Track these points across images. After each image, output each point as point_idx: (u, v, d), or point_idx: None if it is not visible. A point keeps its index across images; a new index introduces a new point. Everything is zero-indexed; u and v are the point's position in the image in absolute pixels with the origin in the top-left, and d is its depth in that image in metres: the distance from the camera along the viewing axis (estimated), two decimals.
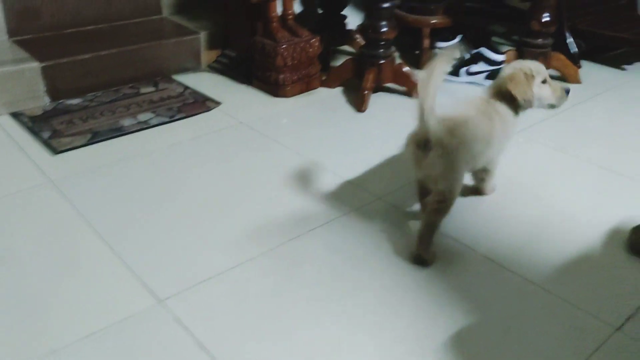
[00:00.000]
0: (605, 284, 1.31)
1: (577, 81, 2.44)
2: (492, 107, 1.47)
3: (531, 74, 1.46)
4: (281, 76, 2.21)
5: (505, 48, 2.54)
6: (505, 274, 1.33)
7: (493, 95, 1.50)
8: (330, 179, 1.72)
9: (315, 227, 1.49)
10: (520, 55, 2.38)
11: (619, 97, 2.32)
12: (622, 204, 1.61)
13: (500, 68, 2.31)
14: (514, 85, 1.45)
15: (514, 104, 1.48)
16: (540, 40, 2.33)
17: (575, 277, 1.32)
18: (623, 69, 2.63)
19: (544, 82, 1.48)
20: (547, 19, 2.28)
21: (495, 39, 2.96)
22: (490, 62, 2.33)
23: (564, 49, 2.55)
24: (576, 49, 2.58)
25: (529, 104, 1.48)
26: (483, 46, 2.37)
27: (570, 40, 2.58)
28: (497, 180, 1.64)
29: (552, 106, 1.51)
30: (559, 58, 2.41)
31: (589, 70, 2.56)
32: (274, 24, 2.20)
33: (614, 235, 1.46)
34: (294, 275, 1.32)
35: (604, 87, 2.41)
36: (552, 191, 1.67)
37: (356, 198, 1.62)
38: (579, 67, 2.54)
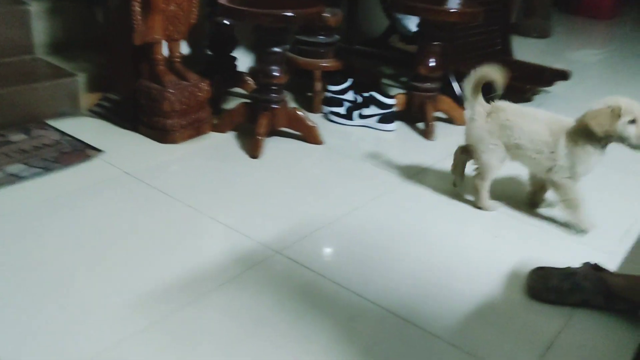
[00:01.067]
0: (510, 333, 1.31)
1: (463, 123, 2.52)
2: (562, 127, 1.65)
3: (618, 112, 1.52)
4: (169, 121, 2.08)
5: (395, 91, 2.59)
6: (411, 330, 1.29)
7: (577, 122, 1.62)
8: (225, 234, 1.62)
9: (210, 289, 1.38)
10: (410, 98, 2.43)
11: None
12: (518, 247, 1.65)
13: (392, 111, 2.35)
14: (593, 116, 1.56)
15: (595, 137, 1.57)
16: (428, 84, 2.39)
17: (480, 328, 1.31)
18: None
19: (632, 121, 1.53)
20: (433, 64, 2.35)
21: (385, 81, 3.03)
22: (381, 105, 2.36)
23: (449, 92, 2.65)
24: (460, 92, 2.69)
25: (608, 139, 1.58)
26: (374, 89, 2.40)
27: (454, 83, 2.68)
28: (395, 230, 1.63)
29: (633, 147, 1.56)
30: (446, 101, 2.49)
31: None
32: (160, 67, 2.08)
33: (513, 279, 1.48)
34: (188, 349, 1.20)
35: None
36: (447, 237, 1.68)
37: (254, 254, 1.53)
38: (464, 109, 2.64)
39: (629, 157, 1.67)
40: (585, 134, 1.59)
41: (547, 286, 1.38)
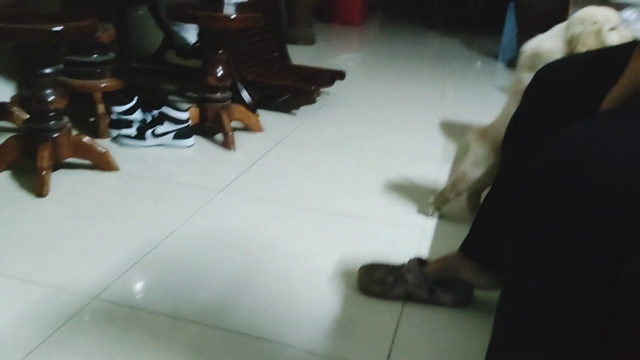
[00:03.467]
0: (356, 332, 1.30)
1: (259, 129, 2.53)
2: None
3: (600, 26, 1.51)
4: None
5: (185, 105, 2.48)
6: (263, 346, 1.22)
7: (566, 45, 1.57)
8: (22, 289, 1.35)
9: None
10: (203, 110, 2.34)
11: (297, 142, 2.48)
12: (343, 244, 1.67)
13: (187, 126, 2.23)
14: (581, 42, 1.51)
15: None
16: (219, 94, 2.33)
17: (329, 330, 1.29)
18: (294, 114, 2.84)
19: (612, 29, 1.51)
20: (222, 73, 2.29)
21: (172, 97, 2.89)
22: (175, 120, 2.23)
23: (240, 100, 2.62)
24: (250, 99, 2.68)
25: None
26: (164, 105, 2.26)
27: (244, 91, 2.66)
28: (219, 246, 1.53)
29: None
30: (240, 110, 2.46)
31: (267, 118, 2.69)
32: None
33: (347, 277, 1.49)
34: None
35: (283, 133, 2.56)
36: (276, 244, 1.64)
37: (65, 306, 1.30)
38: (258, 115, 2.64)
39: None
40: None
41: (373, 279, 1.40)
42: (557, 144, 0.70)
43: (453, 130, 2.76)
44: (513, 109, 1.20)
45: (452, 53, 5.17)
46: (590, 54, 1.13)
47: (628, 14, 2.25)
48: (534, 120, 1.12)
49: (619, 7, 2.45)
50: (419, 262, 1.39)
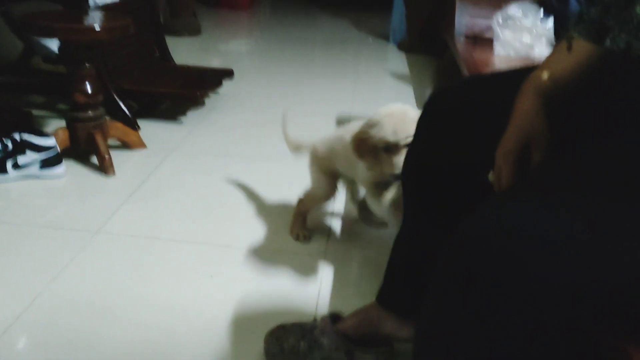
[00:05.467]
0: None
1: (142, 146, 2.30)
2: None
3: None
4: None
5: (55, 123, 2.20)
6: None
7: None
8: None
9: None
10: (73, 132, 2.08)
11: (185, 156, 2.28)
12: (244, 286, 1.52)
13: (55, 152, 1.98)
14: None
15: None
16: (90, 113, 2.08)
17: None
18: (180, 122, 2.63)
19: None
20: (91, 88, 2.04)
21: (38, 112, 2.57)
22: (39, 148, 1.96)
23: (118, 113, 2.38)
24: (129, 112, 2.44)
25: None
26: (25, 130, 1.98)
27: (120, 104, 2.42)
28: (103, 296, 1.33)
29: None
30: (117, 126, 2.22)
31: (150, 129, 2.46)
32: None
33: (252, 342, 1.35)
34: None
35: (169, 145, 2.35)
36: (164, 291, 1.46)
37: None
38: (138, 129, 2.41)
39: None
40: None
41: (283, 349, 1.19)
42: (464, 234, 0.59)
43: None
44: None
45: (344, 36, 5.10)
46: (479, 79, 1.05)
47: (514, 10, 2.23)
48: (430, 153, 1.02)
49: (504, 2, 2.45)
50: (332, 319, 1.20)
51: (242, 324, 1.34)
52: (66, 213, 1.80)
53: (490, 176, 0.86)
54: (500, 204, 0.60)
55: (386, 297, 1.16)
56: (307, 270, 1.55)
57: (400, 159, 1.25)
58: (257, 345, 1.23)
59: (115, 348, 1.24)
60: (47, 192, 1.93)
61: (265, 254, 1.62)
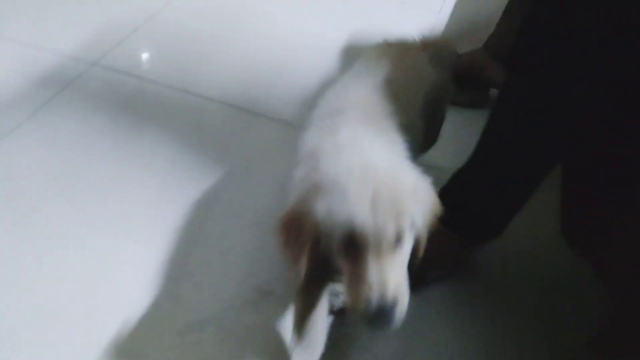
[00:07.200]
0: None
1: None
2: None
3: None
4: None
5: None
6: (259, 120, 1.23)
7: None
8: (18, 52, 1.35)
9: (20, 122, 1.17)
10: None
11: None
12: (351, 25, 1.58)
13: None
14: None
15: None
16: None
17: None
18: None
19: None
20: None
21: None
22: None
23: None
24: None
25: None
26: None
27: None
28: (221, 16, 1.44)
29: None
30: None
31: None
32: None
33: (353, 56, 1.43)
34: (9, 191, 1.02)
35: None
36: (284, 20, 1.54)
37: (65, 70, 1.31)
38: None
39: None
40: None
41: None
42: None
43: None
44: None
45: None
46: None
47: None
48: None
49: None
50: None
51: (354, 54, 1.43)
52: None
53: None
54: None
55: None
56: None
57: (376, 271, 0.62)
58: None
59: (230, 50, 1.40)
60: None
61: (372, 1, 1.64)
